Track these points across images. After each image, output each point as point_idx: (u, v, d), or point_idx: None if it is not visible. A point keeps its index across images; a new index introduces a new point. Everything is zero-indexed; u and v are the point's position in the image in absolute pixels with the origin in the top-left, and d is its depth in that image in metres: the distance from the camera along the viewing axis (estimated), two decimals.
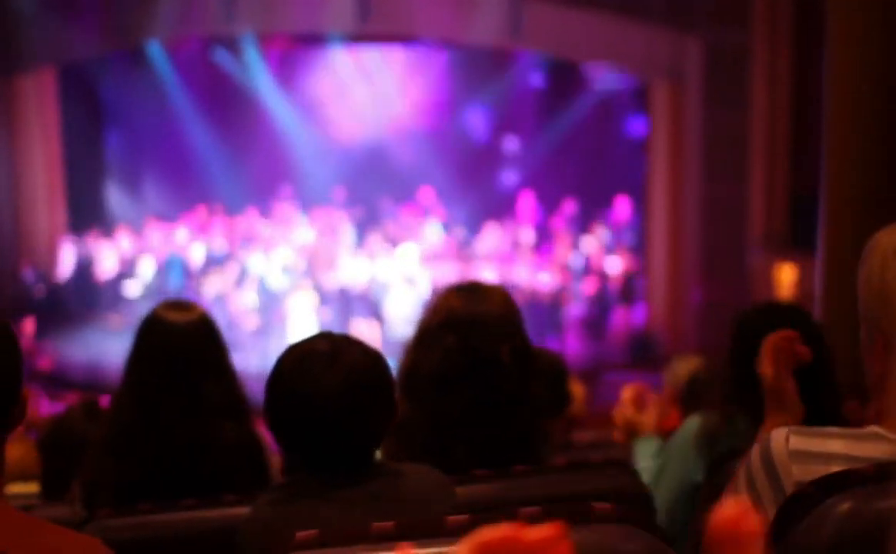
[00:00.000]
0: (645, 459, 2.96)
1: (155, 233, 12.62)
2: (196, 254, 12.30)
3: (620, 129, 13.27)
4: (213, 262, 12.16)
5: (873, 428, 1.51)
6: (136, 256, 12.40)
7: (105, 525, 2.20)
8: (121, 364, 2.65)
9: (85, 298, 12.33)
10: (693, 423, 2.74)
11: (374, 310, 11.55)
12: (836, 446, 1.49)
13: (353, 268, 11.97)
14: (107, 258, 12.46)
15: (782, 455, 1.50)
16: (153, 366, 2.54)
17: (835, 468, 1.45)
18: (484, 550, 0.76)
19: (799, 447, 1.50)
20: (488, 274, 11.62)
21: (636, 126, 12.87)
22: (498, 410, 2.34)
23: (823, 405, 2.33)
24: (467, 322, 2.34)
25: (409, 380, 2.35)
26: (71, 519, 2.35)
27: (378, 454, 2.11)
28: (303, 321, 11.10)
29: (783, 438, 1.51)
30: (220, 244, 12.36)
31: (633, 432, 3.04)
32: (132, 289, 12.09)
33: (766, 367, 1.93)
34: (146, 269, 12.24)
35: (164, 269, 12.22)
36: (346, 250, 12.26)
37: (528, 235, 12.70)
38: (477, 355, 2.33)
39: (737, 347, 2.67)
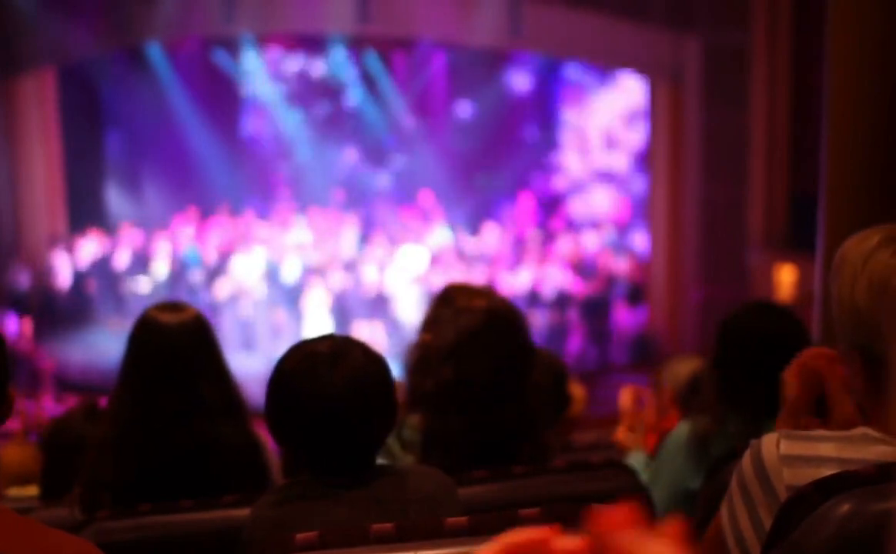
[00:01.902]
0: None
1: (155, 233, 12.62)
2: (198, 254, 12.30)
3: (620, 129, 13.27)
4: (215, 263, 12.16)
5: (863, 430, 1.52)
6: (137, 257, 12.40)
7: (104, 527, 2.20)
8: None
9: (85, 298, 12.33)
10: (682, 429, 2.72)
11: (379, 311, 11.57)
12: (827, 449, 1.50)
13: (357, 270, 11.99)
14: (106, 258, 12.46)
15: (773, 460, 1.51)
16: (147, 367, 2.53)
17: (826, 471, 1.47)
18: (513, 552, 0.75)
19: (790, 452, 1.51)
20: (488, 275, 11.63)
21: (635, 126, 12.87)
22: (523, 402, 2.34)
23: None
24: (508, 319, 2.34)
25: (453, 390, 2.31)
26: (70, 521, 2.35)
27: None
28: (317, 321, 11.10)
29: (774, 444, 1.53)
30: (219, 245, 12.36)
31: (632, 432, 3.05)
32: (136, 289, 12.09)
33: (791, 376, 1.89)
34: (151, 270, 12.25)
35: (168, 269, 12.22)
36: (349, 252, 12.27)
37: (527, 236, 12.70)
38: (521, 349, 2.33)
39: (724, 348, 2.66)
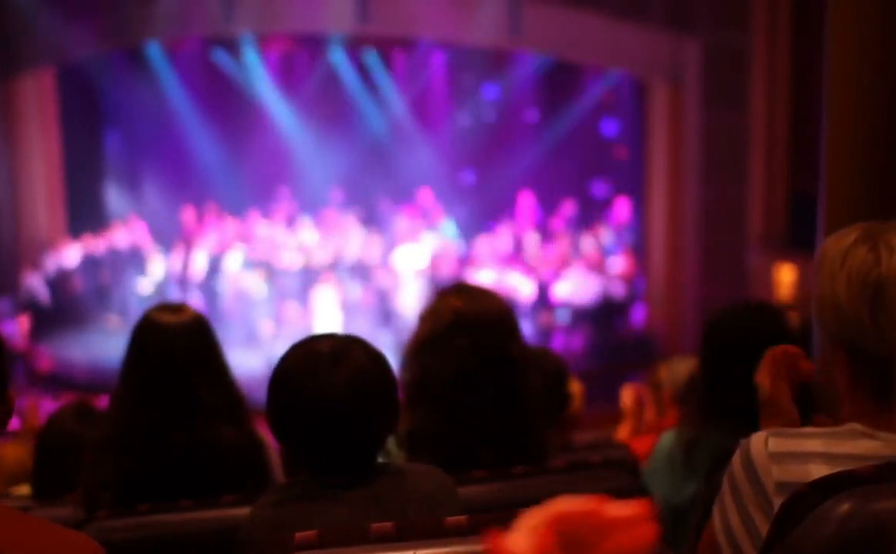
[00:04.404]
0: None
1: (154, 232, 12.63)
2: (198, 254, 12.30)
3: (620, 129, 13.28)
4: (215, 262, 12.16)
5: (851, 425, 1.53)
6: (136, 256, 12.40)
7: (103, 526, 2.20)
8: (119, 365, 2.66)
9: (83, 297, 12.33)
10: (667, 441, 2.66)
11: (380, 310, 11.58)
12: (815, 445, 1.52)
13: (357, 269, 12.01)
14: (105, 258, 12.47)
15: (762, 458, 1.52)
16: (146, 367, 2.53)
17: (813, 466, 1.48)
18: (562, 522, 0.74)
19: (778, 449, 1.52)
20: (488, 275, 11.63)
21: (635, 127, 12.87)
22: (514, 404, 2.35)
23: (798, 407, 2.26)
24: (476, 322, 2.34)
25: (420, 387, 2.33)
26: (66, 520, 2.35)
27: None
28: (322, 320, 11.10)
29: (762, 442, 1.54)
30: (219, 245, 12.35)
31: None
32: (135, 288, 12.09)
33: (762, 377, 1.92)
34: (150, 269, 12.26)
35: (167, 269, 12.23)
36: (350, 251, 12.28)
37: (527, 236, 12.70)
38: (489, 353, 2.33)
39: (708, 353, 2.58)
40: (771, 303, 2.75)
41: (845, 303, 1.52)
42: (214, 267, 12.08)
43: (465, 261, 12.27)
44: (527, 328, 10.86)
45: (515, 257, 12.43)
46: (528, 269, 12.11)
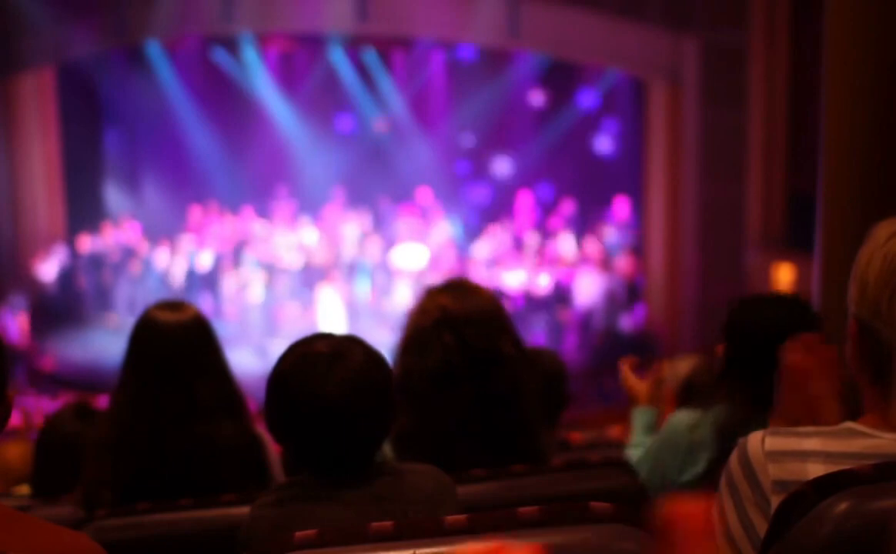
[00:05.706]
0: (640, 431, 2.87)
1: (154, 231, 12.62)
2: (198, 253, 12.30)
3: (619, 129, 13.29)
4: (215, 261, 12.16)
5: (847, 424, 1.54)
6: (135, 255, 12.40)
7: (104, 526, 2.20)
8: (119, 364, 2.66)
9: (83, 296, 12.33)
10: (681, 420, 2.61)
11: (380, 308, 11.60)
12: (812, 444, 1.52)
13: (358, 267, 12.03)
14: (105, 256, 12.46)
15: (759, 456, 1.52)
16: (146, 366, 2.54)
17: (811, 465, 1.48)
18: None
19: (775, 447, 1.52)
20: (487, 274, 11.63)
21: (634, 127, 12.87)
22: (502, 403, 2.34)
23: None
24: (462, 319, 2.33)
25: (405, 384, 2.33)
26: (66, 519, 2.35)
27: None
28: (326, 320, 11.11)
29: (759, 440, 1.54)
30: (219, 244, 12.35)
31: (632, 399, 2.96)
32: (135, 287, 12.10)
33: (792, 357, 1.85)
34: (149, 268, 12.26)
35: (166, 267, 12.22)
36: (351, 250, 12.29)
37: (526, 236, 12.71)
38: (475, 351, 2.32)
39: (732, 339, 2.55)
40: (797, 295, 2.66)
41: (873, 281, 1.50)
42: (215, 265, 12.09)
43: (465, 260, 12.28)
44: (528, 328, 10.89)
45: (516, 256, 12.43)
46: (531, 269, 12.12)
